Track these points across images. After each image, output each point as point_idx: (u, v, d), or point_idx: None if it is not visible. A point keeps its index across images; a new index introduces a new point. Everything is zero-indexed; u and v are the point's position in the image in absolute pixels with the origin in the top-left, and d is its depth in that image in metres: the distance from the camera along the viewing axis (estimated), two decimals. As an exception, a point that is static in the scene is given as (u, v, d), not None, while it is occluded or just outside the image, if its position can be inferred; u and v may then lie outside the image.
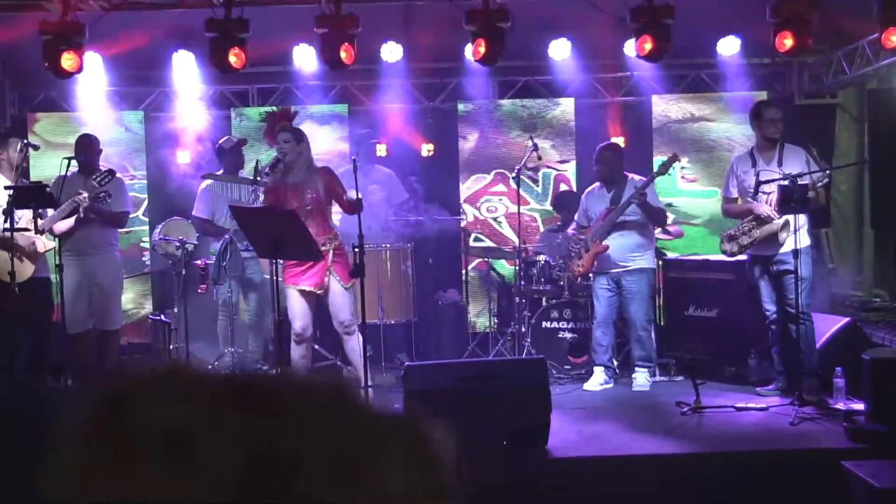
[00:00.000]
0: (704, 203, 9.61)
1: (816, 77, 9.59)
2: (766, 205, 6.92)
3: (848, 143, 9.51)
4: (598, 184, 7.93)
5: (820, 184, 6.89)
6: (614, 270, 7.65)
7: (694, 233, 9.60)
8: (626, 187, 7.66)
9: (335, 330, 6.92)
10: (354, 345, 6.73)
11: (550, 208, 9.53)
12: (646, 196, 7.48)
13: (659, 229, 8.37)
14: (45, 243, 7.19)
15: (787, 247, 6.87)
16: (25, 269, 7.22)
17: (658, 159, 9.45)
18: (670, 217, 8.52)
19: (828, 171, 7.23)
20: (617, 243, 7.61)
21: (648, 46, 7.70)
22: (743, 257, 7.35)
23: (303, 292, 6.64)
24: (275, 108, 7.04)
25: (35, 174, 8.47)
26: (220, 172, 8.52)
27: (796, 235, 6.73)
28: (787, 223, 6.83)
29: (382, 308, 8.04)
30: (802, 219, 6.86)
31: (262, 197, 6.70)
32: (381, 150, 9.45)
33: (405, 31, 9.24)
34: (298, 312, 6.66)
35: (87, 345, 8.02)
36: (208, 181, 8.25)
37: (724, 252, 7.34)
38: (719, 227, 9.49)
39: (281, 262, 6.85)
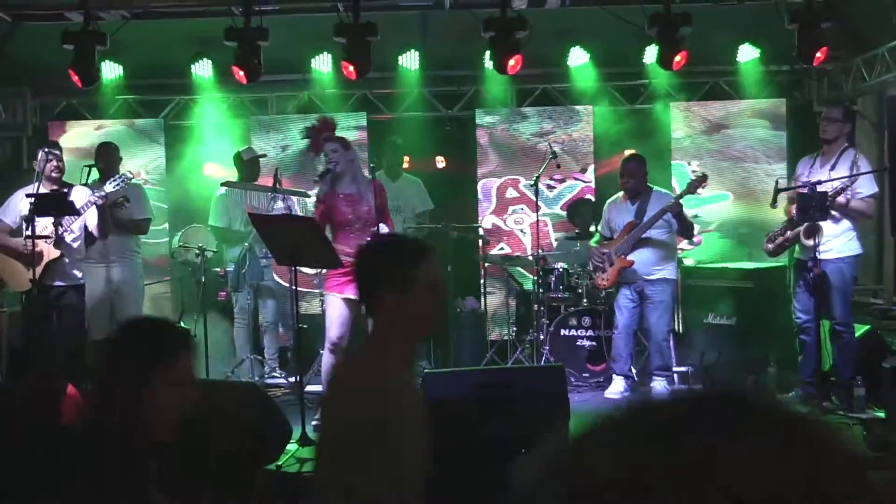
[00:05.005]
0: (716, 208, 9.57)
1: (835, 84, 9.55)
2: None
3: (867, 150, 9.44)
4: (620, 195, 7.84)
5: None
6: (638, 282, 7.61)
7: (707, 238, 9.55)
8: (650, 199, 7.60)
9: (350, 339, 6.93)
10: None
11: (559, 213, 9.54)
12: (682, 206, 7.46)
13: (685, 241, 8.34)
14: (49, 251, 7.16)
15: (825, 254, 6.78)
16: (25, 278, 7.20)
17: (678, 165, 9.48)
18: (696, 227, 8.45)
19: (855, 175, 7.12)
20: (641, 257, 7.54)
21: (678, 59, 7.67)
22: (767, 264, 7.34)
23: (347, 301, 6.55)
24: (314, 122, 6.98)
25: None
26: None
27: (816, 240, 6.66)
28: (817, 229, 6.71)
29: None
30: (845, 224, 6.82)
31: (299, 204, 6.63)
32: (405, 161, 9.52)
33: (423, 39, 9.27)
34: (338, 321, 6.55)
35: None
36: (222, 189, 8.29)
37: (765, 251, 7.37)
38: (730, 232, 9.49)
39: (323, 270, 6.86)
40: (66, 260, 7.27)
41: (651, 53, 8.53)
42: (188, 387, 2.55)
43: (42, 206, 6.91)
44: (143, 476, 2.40)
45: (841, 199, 6.76)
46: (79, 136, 9.60)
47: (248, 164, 8.51)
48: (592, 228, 8.53)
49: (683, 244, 9.11)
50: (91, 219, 7.29)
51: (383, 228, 6.51)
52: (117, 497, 2.32)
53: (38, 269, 7.05)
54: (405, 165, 9.54)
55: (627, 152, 8.66)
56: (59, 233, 7.16)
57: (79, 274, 7.39)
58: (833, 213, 6.77)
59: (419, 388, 2.90)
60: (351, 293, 6.56)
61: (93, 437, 2.40)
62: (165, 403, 2.46)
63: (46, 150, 7.44)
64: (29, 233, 6.90)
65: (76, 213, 7.06)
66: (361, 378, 2.75)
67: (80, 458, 2.41)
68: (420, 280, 2.77)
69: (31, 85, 9.71)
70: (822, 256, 6.72)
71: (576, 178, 9.65)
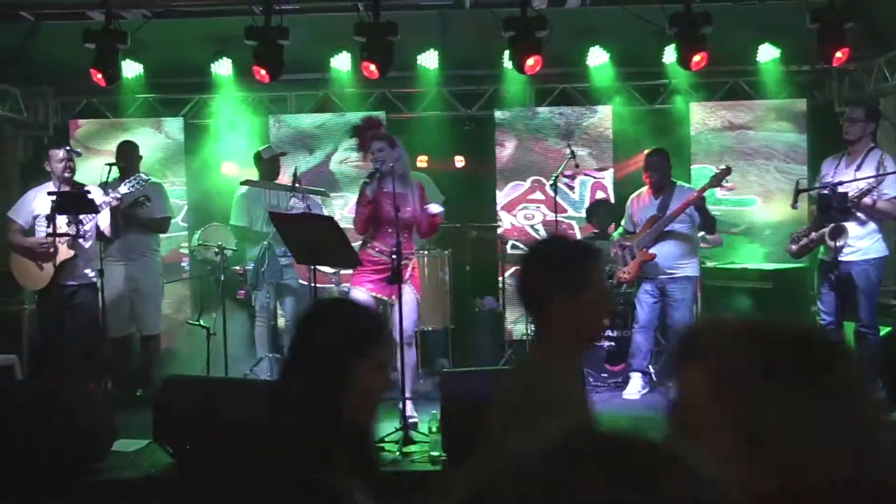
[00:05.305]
0: (743, 211, 9.54)
1: (857, 84, 9.48)
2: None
3: (889, 151, 9.39)
4: (644, 189, 7.84)
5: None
6: (660, 277, 7.59)
7: (732, 241, 9.50)
8: (674, 194, 7.59)
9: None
10: (410, 357, 6.68)
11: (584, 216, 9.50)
12: (705, 199, 7.44)
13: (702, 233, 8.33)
14: (63, 250, 7.24)
15: (850, 256, 6.76)
16: (43, 277, 7.29)
17: (701, 168, 9.44)
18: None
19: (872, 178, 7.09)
20: (664, 251, 7.53)
21: (698, 59, 7.64)
22: (786, 265, 7.30)
23: (375, 299, 6.55)
24: (359, 121, 7.01)
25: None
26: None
27: (839, 242, 6.62)
28: (842, 230, 6.69)
29: (419, 315, 8.04)
30: (871, 225, 6.77)
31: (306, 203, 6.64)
32: (422, 160, 9.53)
33: (443, 38, 9.27)
34: None
35: (127, 349, 8.12)
36: (244, 188, 8.29)
37: (789, 252, 7.33)
38: (758, 235, 9.45)
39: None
40: (79, 260, 7.33)
41: (671, 53, 8.49)
42: (387, 371, 2.51)
43: (64, 204, 6.97)
44: (343, 462, 2.36)
45: (867, 200, 6.71)
46: (99, 134, 9.65)
47: (267, 163, 8.51)
48: (612, 229, 8.51)
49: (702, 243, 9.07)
50: (104, 219, 7.34)
51: (436, 208, 6.63)
52: (319, 484, 2.28)
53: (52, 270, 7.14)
54: (424, 165, 9.53)
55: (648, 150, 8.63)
56: (80, 231, 7.23)
57: (91, 273, 7.43)
58: (859, 214, 6.73)
59: (589, 397, 2.82)
60: (381, 294, 6.56)
61: (298, 423, 2.35)
62: (369, 388, 2.41)
63: (68, 148, 7.50)
64: (50, 230, 6.98)
65: (96, 210, 7.12)
66: (532, 391, 2.62)
67: (277, 444, 2.37)
68: (593, 281, 2.70)
69: (53, 84, 9.77)
70: (848, 258, 6.68)
71: (587, 174, 9.58)
